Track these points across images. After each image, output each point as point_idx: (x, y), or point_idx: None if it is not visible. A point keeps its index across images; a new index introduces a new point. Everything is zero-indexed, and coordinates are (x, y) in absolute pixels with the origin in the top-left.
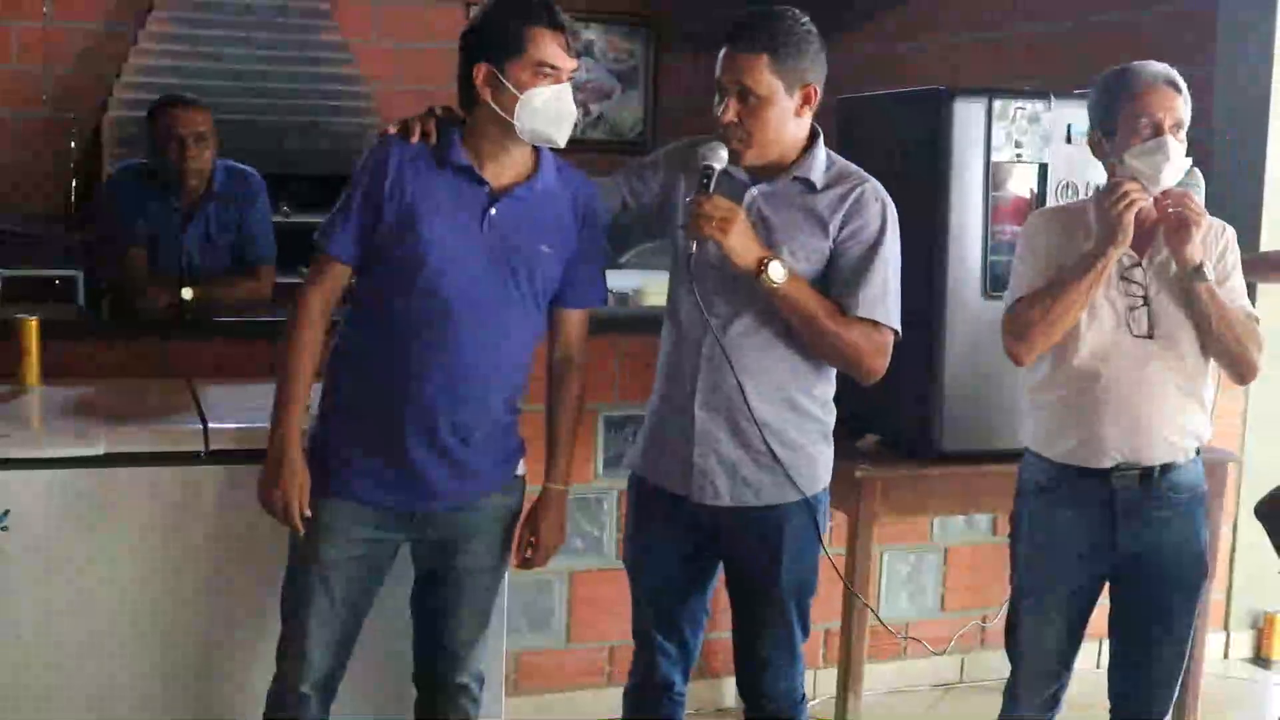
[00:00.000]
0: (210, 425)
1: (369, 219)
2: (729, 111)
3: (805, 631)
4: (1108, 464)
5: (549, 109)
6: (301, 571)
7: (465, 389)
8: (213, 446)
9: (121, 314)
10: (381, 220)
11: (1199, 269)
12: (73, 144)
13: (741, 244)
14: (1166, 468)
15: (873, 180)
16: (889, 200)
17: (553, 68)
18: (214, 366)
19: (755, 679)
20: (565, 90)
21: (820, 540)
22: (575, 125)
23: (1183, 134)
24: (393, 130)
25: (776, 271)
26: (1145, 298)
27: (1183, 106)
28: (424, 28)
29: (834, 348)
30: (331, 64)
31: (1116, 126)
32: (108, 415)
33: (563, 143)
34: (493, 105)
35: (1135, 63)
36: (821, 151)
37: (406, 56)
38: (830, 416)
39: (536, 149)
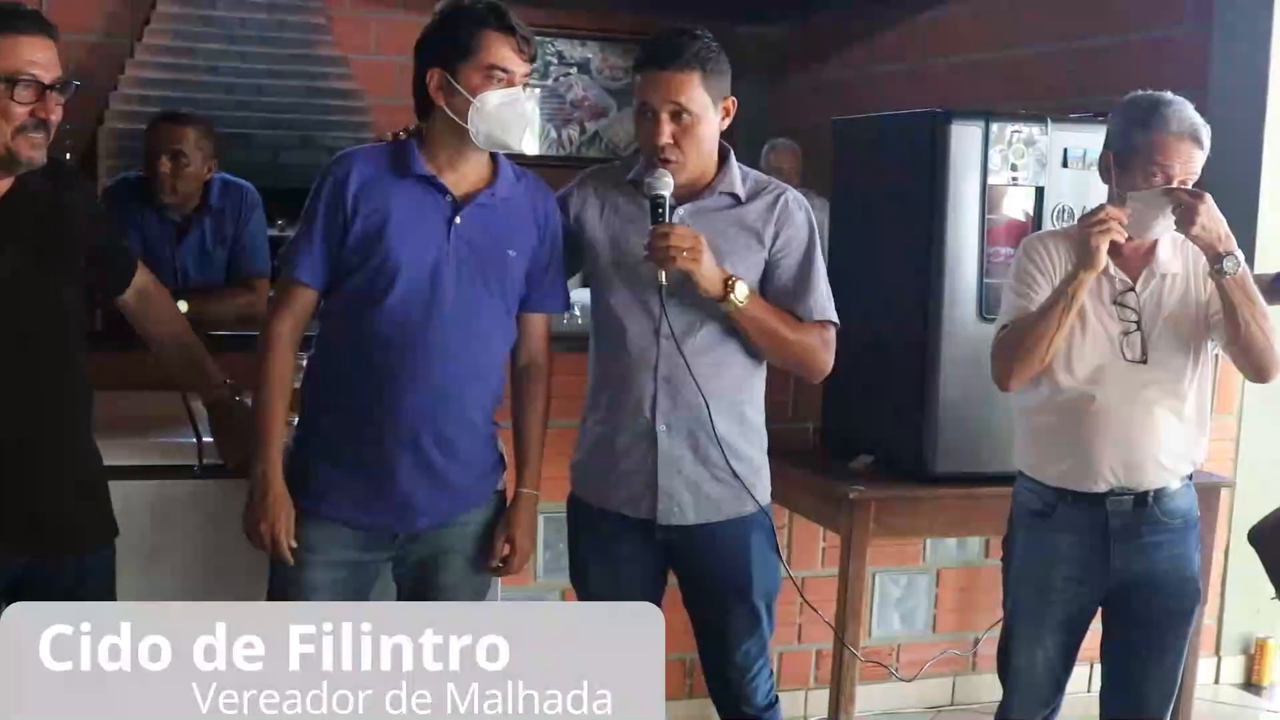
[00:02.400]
0: (205, 439)
1: (334, 240)
2: (664, 134)
3: (772, 629)
4: (1101, 488)
5: (502, 113)
6: (284, 594)
7: (444, 401)
8: (207, 461)
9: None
10: (347, 239)
11: (1226, 257)
12: (68, 156)
13: (710, 271)
14: (1160, 493)
15: (788, 187)
16: (806, 203)
17: (505, 71)
18: None
19: (736, 686)
20: (519, 94)
21: (778, 548)
22: (565, 139)
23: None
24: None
25: (741, 291)
26: (1138, 322)
27: (1199, 161)
28: None
29: (792, 354)
30: (328, 78)
31: (1130, 159)
32: (102, 428)
33: (517, 147)
34: (447, 111)
35: (1171, 100)
36: (735, 165)
37: (403, 70)
38: (763, 423)
39: (494, 156)
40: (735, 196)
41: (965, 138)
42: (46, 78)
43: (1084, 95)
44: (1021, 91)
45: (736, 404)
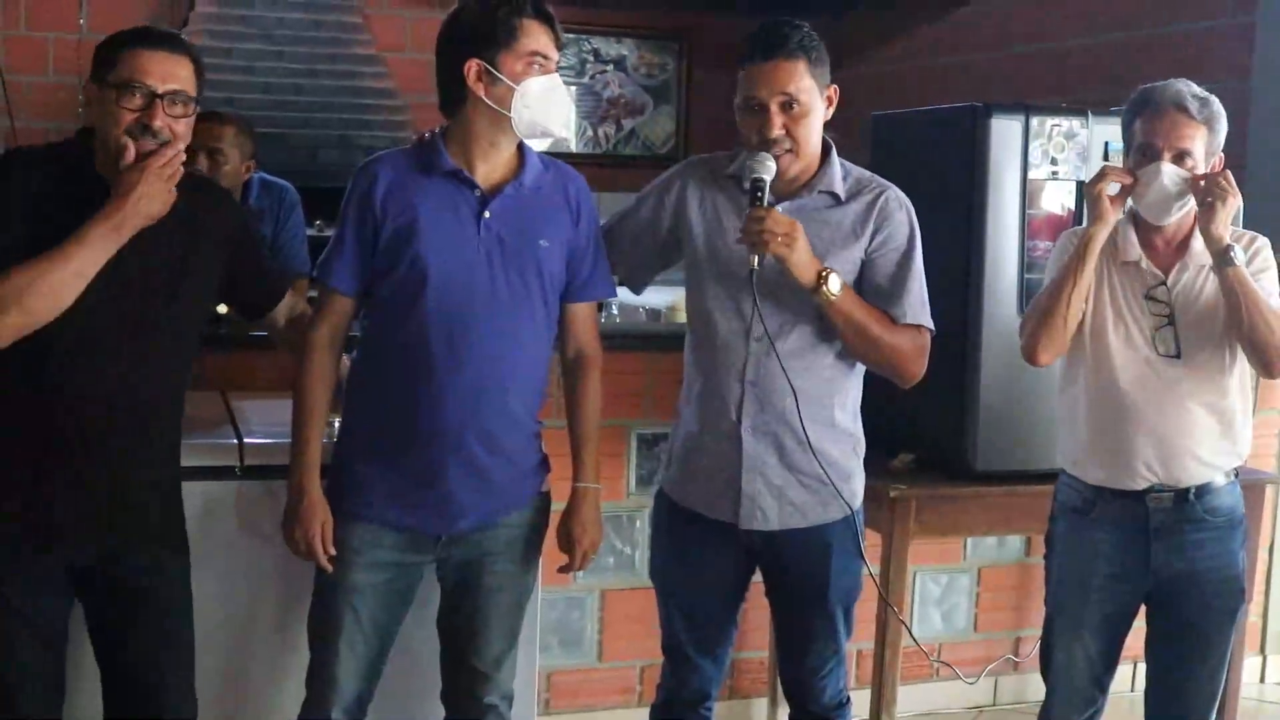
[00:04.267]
0: (245, 440)
1: (366, 245)
2: (775, 126)
3: (850, 633)
4: (1140, 485)
5: (545, 100)
6: (329, 597)
7: (486, 396)
8: (248, 461)
9: None
10: (379, 243)
11: (1226, 251)
12: None
13: (804, 258)
14: (1202, 489)
15: (891, 186)
16: (909, 204)
17: (545, 58)
18: (249, 380)
19: (805, 684)
20: (558, 80)
21: (862, 553)
22: (601, 136)
23: (1191, 161)
24: None
25: (835, 284)
26: (1170, 317)
27: (1193, 130)
28: None
29: (883, 354)
30: (365, 77)
31: (1130, 148)
32: None
33: (560, 133)
34: (487, 101)
35: (1164, 83)
36: (837, 162)
37: None
38: (859, 429)
39: (521, 148)
40: (835, 196)
41: (1005, 132)
42: (159, 88)
43: (1127, 88)
44: (1063, 85)
45: (826, 408)
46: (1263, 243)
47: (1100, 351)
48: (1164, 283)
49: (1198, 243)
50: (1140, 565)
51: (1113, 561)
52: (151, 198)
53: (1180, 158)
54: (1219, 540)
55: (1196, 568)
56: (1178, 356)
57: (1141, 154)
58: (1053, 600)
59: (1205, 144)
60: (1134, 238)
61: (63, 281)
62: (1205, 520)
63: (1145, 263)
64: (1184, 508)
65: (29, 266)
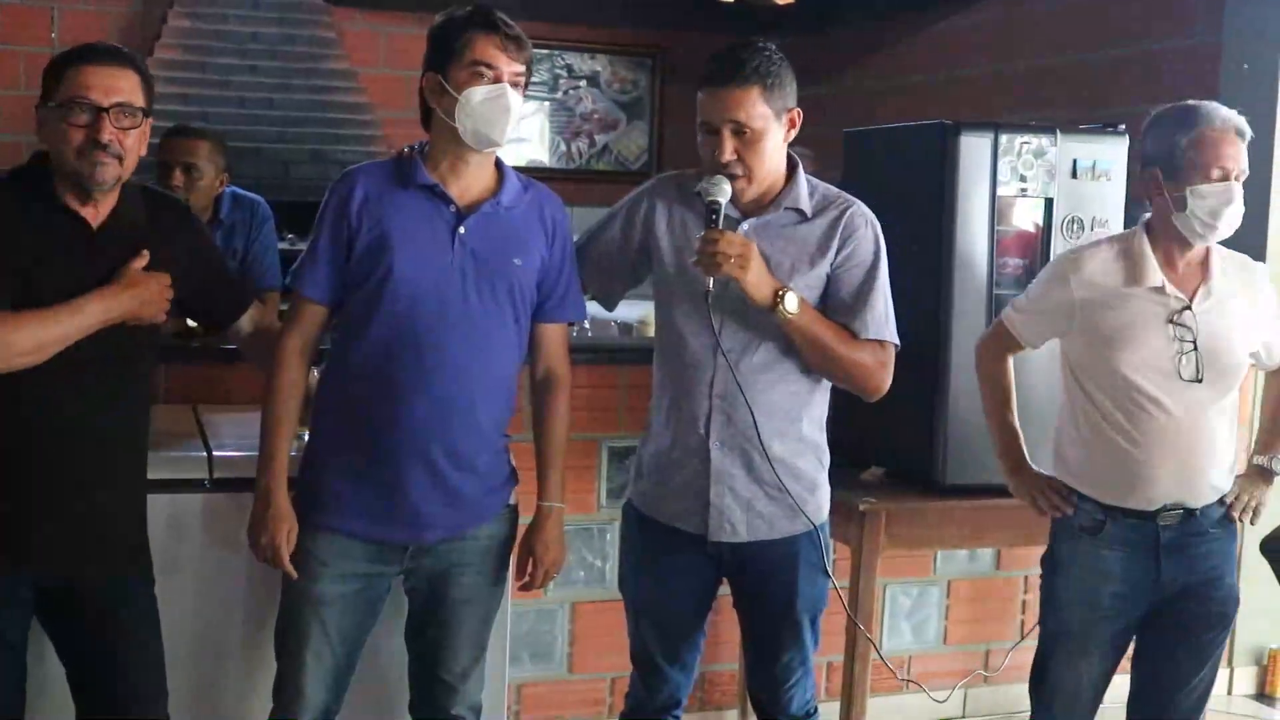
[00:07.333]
0: (214, 453)
1: (340, 254)
2: (726, 151)
3: (816, 643)
4: (1155, 506)
5: (485, 108)
6: (297, 608)
7: (454, 411)
8: (217, 475)
9: None
10: (353, 253)
11: None
12: None
13: (758, 278)
14: (1206, 505)
15: (857, 202)
16: (875, 219)
17: (490, 67)
18: (218, 393)
19: (773, 695)
20: (504, 89)
21: (826, 566)
22: (575, 152)
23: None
24: None
25: (791, 302)
26: (1194, 342)
27: (1245, 156)
28: None
29: (844, 370)
30: (338, 92)
31: (1180, 162)
32: None
33: (501, 142)
34: (439, 112)
35: (1204, 103)
36: (803, 179)
37: (413, 85)
38: (824, 441)
39: (500, 166)
40: (800, 212)
41: (974, 149)
42: (104, 102)
43: (1095, 107)
44: (1033, 104)
45: (793, 422)
46: (1262, 269)
47: (1125, 376)
48: (1189, 307)
49: (1216, 265)
50: (1148, 582)
51: (1121, 580)
52: (150, 303)
53: (1240, 176)
54: (1221, 550)
55: (1201, 578)
56: (1199, 381)
57: (1205, 170)
58: (1057, 622)
59: None
60: (1154, 261)
61: (49, 340)
62: (1209, 532)
63: (1170, 287)
64: (1190, 523)
65: (16, 320)
